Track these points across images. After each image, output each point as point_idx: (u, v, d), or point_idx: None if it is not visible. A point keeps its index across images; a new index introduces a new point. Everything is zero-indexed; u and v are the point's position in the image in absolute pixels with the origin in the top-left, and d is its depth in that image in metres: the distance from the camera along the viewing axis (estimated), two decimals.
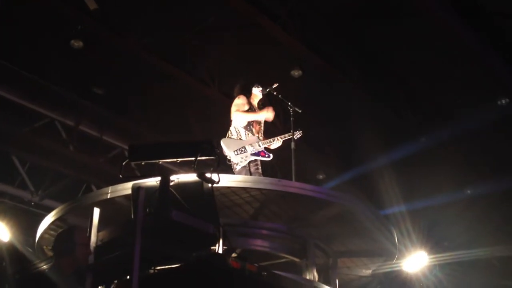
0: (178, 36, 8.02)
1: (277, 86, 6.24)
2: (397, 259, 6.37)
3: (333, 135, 9.70)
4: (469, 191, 10.10)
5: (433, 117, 9.28)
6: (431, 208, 9.81)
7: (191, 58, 8.51)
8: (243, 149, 5.89)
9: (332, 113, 9.33)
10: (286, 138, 6.11)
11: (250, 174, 5.92)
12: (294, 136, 6.07)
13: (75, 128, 9.28)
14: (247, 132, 6.01)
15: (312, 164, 10.22)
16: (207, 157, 3.72)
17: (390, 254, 6.03)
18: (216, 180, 3.72)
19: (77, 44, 7.81)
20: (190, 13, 7.75)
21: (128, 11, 7.70)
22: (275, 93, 6.22)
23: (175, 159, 3.83)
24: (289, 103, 6.15)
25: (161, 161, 3.85)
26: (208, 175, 3.74)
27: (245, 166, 5.87)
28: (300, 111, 6.13)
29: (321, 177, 10.61)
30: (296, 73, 8.53)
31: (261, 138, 6.08)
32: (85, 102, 9.01)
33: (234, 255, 4.28)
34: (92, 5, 7.09)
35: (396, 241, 5.78)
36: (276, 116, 6.49)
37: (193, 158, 3.70)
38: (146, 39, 7.92)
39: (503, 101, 8.58)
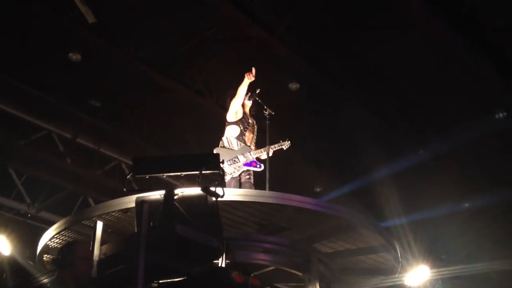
0: (175, 49, 8.05)
1: (259, 91, 6.25)
2: (399, 273, 6.36)
3: (330, 148, 9.71)
4: (467, 204, 10.13)
5: (430, 130, 9.32)
6: (430, 222, 9.82)
7: (187, 70, 8.54)
8: (235, 159, 5.87)
9: (329, 125, 9.35)
10: (277, 148, 6.08)
11: (240, 184, 5.88)
12: (284, 147, 6.06)
13: (72, 141, 9.26)
14: (239, 142, 5.99)
15: (309, 177, 10.24)
16: (211, 171, 3.71)
17: (392, 268, 6.03)
18: (221, 194, 3.72)
19: (75, 57, 7.83)
20: (186, 26, 7.79)
21: (126, 24, 7.72)
22: (257, 98, 6.23)
23: (179, 173, 3.82)
24: (264, 106, 6.15)
25: (165, 174, 3.82)
26: (212, 189, 3.73)
27: (235, 177, 5.83)
28: (273, 113, 6.10)
29: (318, 189, 10.61)
30: (293, 86, 8.57)
31: (252, 148, 6.06)
32: (82, 114, 9.00)
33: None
34: (91, 19, 7.10)
35: (399, 255, 5.78)
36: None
37: (197, 172, 3.70)
38: (143, 52, 7.95)
39: (501, 115, 8.63)
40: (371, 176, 9.33)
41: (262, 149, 6.03)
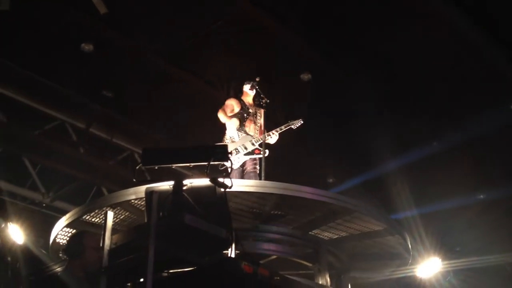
0: (186, 40, 8.06)
1: (260, 79, 6.22)
2: (410, 264, 6.34)
3: (343, 139, 9.67)
4: (481, 196, 10.04)
5: (444, 121, 9.23)
6: (444, 213, 9.76)
7: (199, 61, 8.54)
8: (235, 151, 5.84)
9: (342, 116, 9.31)
10: (283, 130, 6.04)
11: (243, 175, 5.85)
12: (293, 126, 6.03)
13: (85, 131, 9.33)
14: (239, 133, 5.96)
15: (322, 168, 10.22)
16: (220, 162, 3.72)
17: (403, 259, 6.01)
18: (229, 184, 3.74)
19: (87, 47, 7.89)
20: (198, 17, 7.78)
21: (138, 15, 7.73)
22: (257, 88, 6.21)
23: (188, 164, 3.84)
24: (261, 94, 6.13)
25: (174, 165, 3.84)
26: (220, 179, 3.75)
27: (236, 168, 5.78)
28: (269, 101, 6.06)
29: (330, 180, 10.60)
30: (305, 77, 8.54)
31: (257, 135, 6.00)
32: (95, 105, 9.06)
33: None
34: (103, 9, 7.12)
35: (410, 246, 5.76)
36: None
37: (206, 163, 3.72)
38: (155, 43, 7.97)
39: None
40: (384, 167, 9.29)
41: (266, 134, 5.96)
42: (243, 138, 5.94)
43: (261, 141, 5.96)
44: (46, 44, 7.91)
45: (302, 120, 6.10)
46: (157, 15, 7.72)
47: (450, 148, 9.28)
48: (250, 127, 6.04)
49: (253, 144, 5.90)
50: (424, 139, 9.22)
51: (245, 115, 6.14)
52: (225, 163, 3.87)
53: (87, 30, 7.70)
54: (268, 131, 6.07)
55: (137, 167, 4.03)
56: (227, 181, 3.72)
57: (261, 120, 6.14)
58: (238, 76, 6.44)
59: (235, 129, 5.98)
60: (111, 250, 3.77)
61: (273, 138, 6.06)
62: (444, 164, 9.49)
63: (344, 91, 8.79)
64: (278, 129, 6.05)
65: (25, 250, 6.59)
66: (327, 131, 9.39)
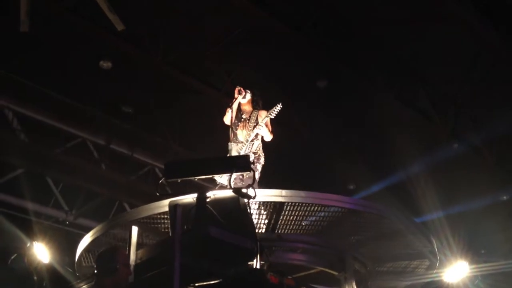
0: (203, 52, 8.10)
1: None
2: (437, 269, 6.25)
3: (363, 144, 9.61)
4: (505, 197, 9.88)
5: (465, 122, 9.13)
6: (469, 216, 9.61)
7: (216, 72, 8.58)
8: None
9: (361, 121, 9.26)
10: (266, 118, 5.77)
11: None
12: (272, 115, 5.72)
13: (106, 147, 9.41)
14: (233, 144, 5.81)
15: (342, 174, 10.15)
16: (243, 172, 3.71)
17: (430, 264, 5.92)
18: (252, 195, 3.72)
19: (105, 64, 7.99)
20: (213, 29, 7.83)
21: (154, 29, 7.80)
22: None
23: (211, 176, 3.83)
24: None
25: (196, 178, 3.83)
26: (244, 190, 3.74)
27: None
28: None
29: (352, 187, 10.52)
30: (321, 83, 8.52)
31: (248, 139, 5.79)
32: (115, 121, 9.13)
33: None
34: (120, 26, 7.19)
35: (436, 250, 5.68)
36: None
37: (228, 174, 3.71)
38: (171, 56, 8.02)
39: None
40: (406, 171, 9.20)
41: (252, 133, 5.76)
42: (234, 148, 5.81)
43: (250, 144, 5.77)
44: (65, 63, 8.02)
45: (280, 105, 5.83)
46: (173, 29, 7.79)
47: (473, 148, 9.17)
48: (242, 134, 5.90)
49: (245, 151, 5.74)
50: (446, 141, 9.11)
51: (237, 123, 6.00)
52: (248, 173, 3.83)
53: (105, 48, 7.79)
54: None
55: (160, 181, 4.03)
56: (250, 192, 3.70)
57: (253, 122, 5.90)
58: (258, 86, 6.38)
59: (231, 139, 5.86)
60: (136, 265, 3.77)
61: (262, 131, 5.76)
62: (467, 166, 9.38)
63: (362, 96, 8.74)
64: (260, 121, 5.85)
65: (50, 269, 6.62)
66: (347, 137, 9.33)
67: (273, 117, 5.85)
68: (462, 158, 9.19)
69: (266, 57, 8.20)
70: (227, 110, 5.98)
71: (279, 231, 5.10)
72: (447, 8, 7.28)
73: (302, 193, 4.93)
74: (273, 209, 4.89)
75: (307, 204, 4.86)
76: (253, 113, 5.98)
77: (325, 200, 4.85)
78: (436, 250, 5.73)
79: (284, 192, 4.87)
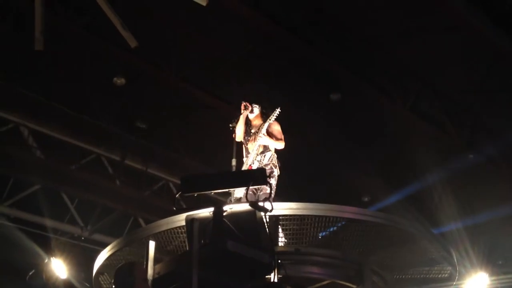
0: (215, 66, 8.15)
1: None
2: (457, 280, 6.17)
3: (377, 156, 9.56)
4: None
5: (481, 132, 9.06)
6: (488, 227, 9.49)
7: (228, 87, 8.60)
8: None
9: (375, 133, 9.22)
10: (265, 124, 5.76)
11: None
12: (271, 120, 5.73)
13: (120, 163, 9.46)
14: (245, 159, 5.83)
15: (357, 186, 10.10)
16: (259, 186, 3.69)
17: (449, 275, 5.85)
18: (269, 208, 3.70)
19: (119, 81, 8.06)
20: (225, 43, 7.87)
21: (166, 45, 7.87)
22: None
23: (227, 189, 3.82)
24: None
25: (213, 192, 3.82)
26: (260, 203, 3.72)
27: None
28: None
29: (366, 199, 10.45)
30: (334, 96, 8.52)
31: (257, 152, 5.75)
32: (129, 136, 9.18)
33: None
34: (133, 43, 7.25)
35: (456, 262, 5.61)
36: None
37: (245, 188, 3.70)
38: (184, 71, 8.08)
39: None
40: (421, 182, 9.12)
41: (255, 143, 5.75)
42: (245, 162, 5.83)
43: (255, 154, 5.74)
44: (79, 79, 8.10)
45: (279, 109, 5.79)
46: (185, 44, 7.84)
47: (489, 159, 9.08)
48: (252, 148, 5.88)
49: (254, 162, 5.70)
50: (462, 151, 9.03)
51: (247, 138, 6.01)
52: (265, 186, 3.82)
53: (118, 65, 7.86)
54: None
55: (177, 196, 4.03)
56: (267, 205, 3.69)
57: (262, 133, 5.88)
58: (270, 100, 6.38)
59: (244, 155, 5.89)
60: (154, 280, 3.75)
61: (263, 140, 5.76)
62: (484, 176, 9.28)
63: (376, 108, 8.71)
64: (260, 129, 5.84)
65: (68, 284, 6.64)
66: (360, 149, 9.29)
67: (272, 122, 5.81)
68: (478, 168, 9.11)
69: (278, 71, 8.22)
70: (235, 128, 5.98)
71: (297, 244, 5.07)
72: (460, 18, 7.26)
73: (319, 206, 4.90)
74: (290, 222, 4.87)
75: (324, 217, 4.82)
76: (261, 126, 5.94)
77: (344, 213, 4.81)
78: (456, 261, 5.67)
79: (301, 205, 4.85)
